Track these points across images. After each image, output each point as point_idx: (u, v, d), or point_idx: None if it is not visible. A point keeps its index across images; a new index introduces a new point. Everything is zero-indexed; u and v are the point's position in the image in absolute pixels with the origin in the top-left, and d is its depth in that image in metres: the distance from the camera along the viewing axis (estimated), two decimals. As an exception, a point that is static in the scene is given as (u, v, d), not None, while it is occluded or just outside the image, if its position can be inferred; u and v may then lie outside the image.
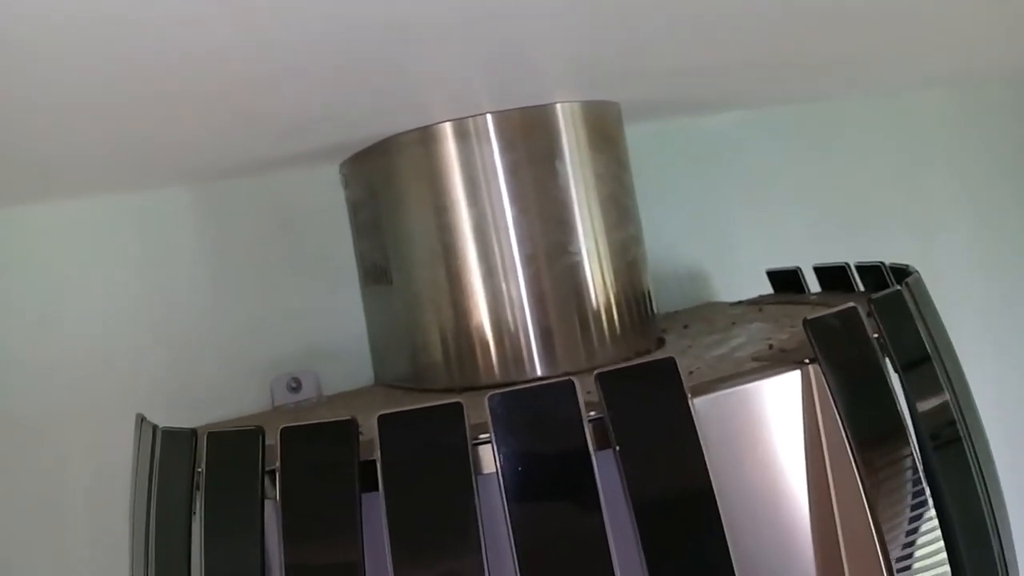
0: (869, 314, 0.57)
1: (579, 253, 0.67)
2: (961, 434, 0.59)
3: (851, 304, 0.55)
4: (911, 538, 0.53)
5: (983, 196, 1.19)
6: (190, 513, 0.51)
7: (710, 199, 1.01)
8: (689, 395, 0.48)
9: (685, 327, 0.81)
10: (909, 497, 0.53)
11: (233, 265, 0.78)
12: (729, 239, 1.01)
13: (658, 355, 0.51)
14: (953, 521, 0.56)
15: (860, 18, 0.58)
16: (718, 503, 0.47)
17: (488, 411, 0.46)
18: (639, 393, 0.48)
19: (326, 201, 0.80)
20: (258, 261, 0.79)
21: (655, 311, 0.73)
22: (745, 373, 0.54)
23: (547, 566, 0.46)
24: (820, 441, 0.54)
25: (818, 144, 1.08)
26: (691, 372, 0.58)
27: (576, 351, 0.67)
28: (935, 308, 0.65)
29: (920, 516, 0.53)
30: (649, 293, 0.73)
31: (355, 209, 0.78)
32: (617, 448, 0.47)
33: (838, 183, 1.09)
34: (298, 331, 0.79)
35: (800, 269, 0.88)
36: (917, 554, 0.52)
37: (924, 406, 0.57)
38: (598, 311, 0.68)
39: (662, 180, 0.97)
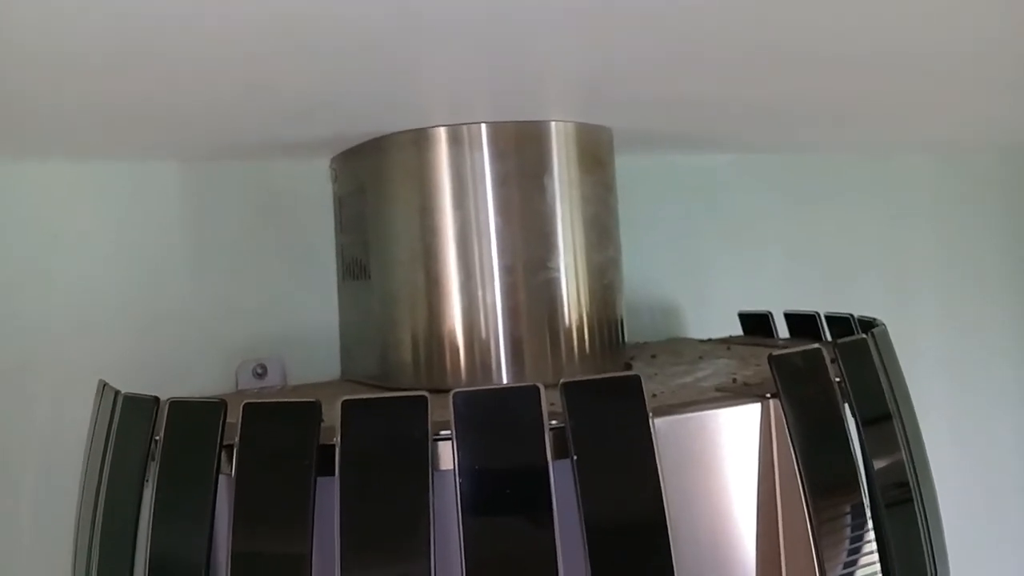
0: (833, 360, 0.58)
1: (557, 269, 0.68)
2: (913, 494, 0.60)
3: (816, 345, 0.56)
4: (851, 580, 0.54)
5: (960, 262, 1.22)
6: (143, 480, 0.51)
7: (691, 237, 1.02)
8: (650, 414, 0.49)
9: (653, 356, 0.81)
10: (856, 547, 0.54)
11: (215, 245, 0.78)
12: (705, 278, 1.03)
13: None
14: (895, 572, 0.57)
15: (857, 65, 0.60)
16: (668, 523, 0.47)
17: (451, 408, 0.47)
18: (602, 406, 0.49)
19: (313, 194, 0.81)
20: (239, 244, 0.79)
21: (625, 338, 0.74)
22: (706, 400, 0.55)
23: (494, 569, 0.46)
24: (773, 476, 0.55)
25: (803, 195, 1.10)
26: (655, 395, 0.59)
27: (544, 365, 0.68)
28: (898, 363, 0.67)
29: (865, 567, 0.54)
30: (621, 318, 0.73)
31: (341, 204, 0.79)
32: (575, 458, 0.47)
33: (819, 235, 1.11)
34: (269, 318, 0.79)
35: (771, 313, 0.90)
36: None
37: (880, 461, 0.58)
38: (570, 328, 0.68)
39: (646, 213, 0.98)
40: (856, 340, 0.60)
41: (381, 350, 0.72)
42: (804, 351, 0.55)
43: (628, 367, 0.74)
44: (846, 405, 0.57)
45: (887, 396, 0.60)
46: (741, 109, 0.74)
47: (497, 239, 0.66)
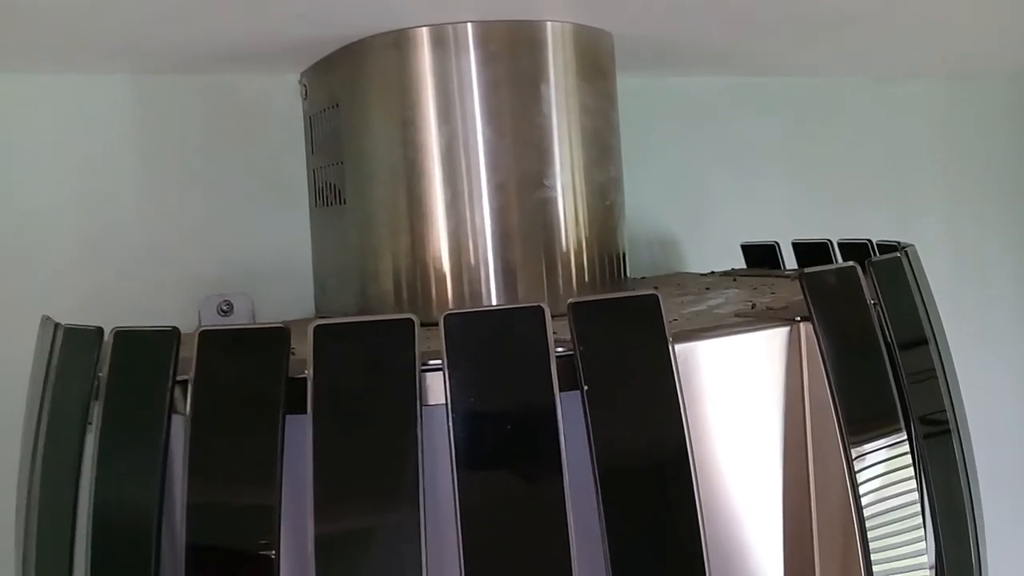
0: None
1: (554, 188, 0.61)
2: (951, 425, 0.54)
3: (851, 263, 0.50)
4: (887, 519, 0.48)
5: (963, 189, 1.17)
6: (85, 422, 0.44)
7: (689, 165, 0.96)
8: (670, 339, 0.43)
9: (655, 289, 0.75)
10: (894, 481, 0.49)
11: (173, 169, 0.71)
12: (704, 208, 0.97)
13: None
14: (936, 513, 0.52)
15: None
16: (692, 460, 0.41)
17: (442, 331, 0.40)
18: (615, 330, 0.43)
19: (281, 113, 0.73)
20: (201, 169, 0.71)
21: (628, 267, 0.68)
22: (730, 325, 0.49)
23: (493, 517, 0.40)
24: (803, 406, 0.49)
25: (805, 120, 1.04)
26: (671, 321, 0.53)
27: (539, 295, 0.61)
28: (929, 285, 0.61)
29: (904, 505, 0.49)
30: (624, 245, 0.67)
31: (312, 123, 0.72)
32: (585, 388, 0.41)
33: (821, 162, 1.05)
34: (235, 250, 0.72)
35: (777, 244, 0.84)
36: (896, 540, 0.48)
37: (918, 389, 0.52)
38: (567, 253, 0.62)
39: (641, 139, 0.91)
40: (891, 259, 0.54)
41: (359, 282, 0.65)
42: (839, 269, 0.49)
43: (631, 297, 0.68)
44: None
45: (923, 320, 0.54)
46: (752, 15, 0.67)
47: (487, 153, 0.59)
